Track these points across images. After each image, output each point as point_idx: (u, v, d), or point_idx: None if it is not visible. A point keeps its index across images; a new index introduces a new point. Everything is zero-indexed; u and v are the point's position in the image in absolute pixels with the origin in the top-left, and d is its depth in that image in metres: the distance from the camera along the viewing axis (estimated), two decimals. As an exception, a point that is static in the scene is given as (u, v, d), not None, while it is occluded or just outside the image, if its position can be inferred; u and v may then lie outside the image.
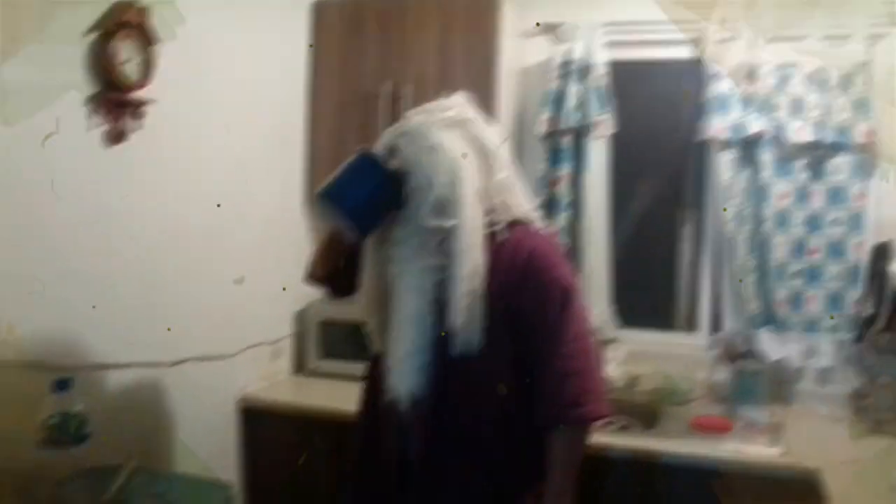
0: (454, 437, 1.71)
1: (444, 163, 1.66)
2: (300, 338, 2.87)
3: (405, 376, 1.69)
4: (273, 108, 2.67)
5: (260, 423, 2.57)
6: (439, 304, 1.67)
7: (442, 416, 1.71)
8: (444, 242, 1.66)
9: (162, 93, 2.09)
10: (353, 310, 2.77)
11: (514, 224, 1.73)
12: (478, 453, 1.71)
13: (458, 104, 1.76)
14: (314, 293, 2.96)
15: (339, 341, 2.80)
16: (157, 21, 2.05)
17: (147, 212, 2.12)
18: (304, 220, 2.90)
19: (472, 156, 1.69)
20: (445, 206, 1.65)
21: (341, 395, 2.60)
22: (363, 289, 1.80)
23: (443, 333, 1.66)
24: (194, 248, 2.31)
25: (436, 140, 1.67)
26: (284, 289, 2.74)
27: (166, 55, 2.09)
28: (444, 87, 2.61)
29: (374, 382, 1.82)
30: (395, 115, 2.67)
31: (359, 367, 2.71)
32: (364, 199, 1.68)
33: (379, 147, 1.75)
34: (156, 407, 2.12)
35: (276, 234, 2.73)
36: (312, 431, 2.48)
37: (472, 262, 1.64)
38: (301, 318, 2.88)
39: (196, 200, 2.30)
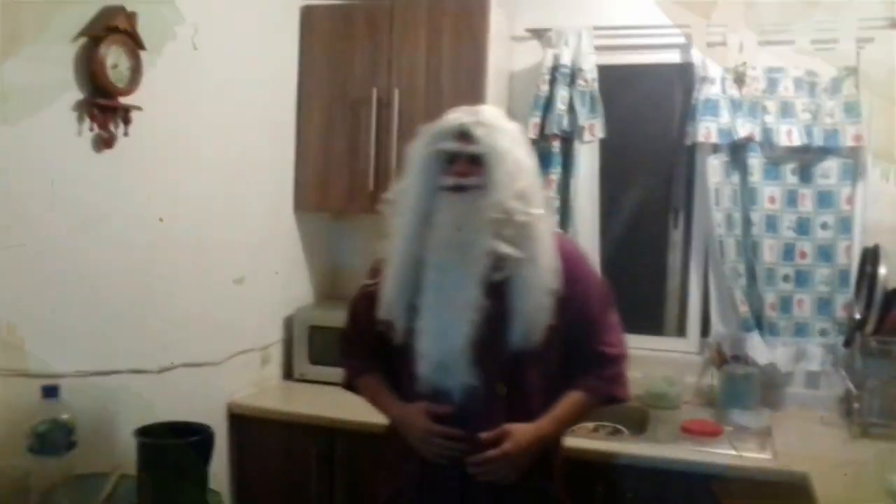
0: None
1: (530, 162, 1.74)
2: (289, 344, 2.86)
3: (457, 370, 1.68)
4: (263, 114, 2.66)
5: (249, 430, 2.55)
6: (497, 295, 1.66)
7: (493, 417, 1.69)
8: (520, 231, 1.66)
9: (151, 98, 2.08)
10: (341, 315, 2.80)
11: None
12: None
13: None
14: (303, 299, 2.97)
15: (327, 347, 2.78)
16: (147, 25, 2.04)
17: (136, 217, 2.11)
18: (294, 225, 2.89)
19: None
20: (529, 197, 1.68)
21: (330, 401, 2.59)
22: (390, 275, 1.74)
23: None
24: (183, 254, 2.30)
25: (523, 140, 1.75)
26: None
27: (155, 60, 2.08)
28: (432, 91, 2.66)
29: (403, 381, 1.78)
30: (382, 120, 2.68)
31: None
32: None
33: (445, 127, 1.71)
34: (143, 414, 2.10)
35: (266, 239, 2.72)
36: (302, 438, 2.47)
37: (550, 254, 1.70)
38: (290, 323, 2.87)
39: (185, 206, 2.29)
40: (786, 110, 2.60)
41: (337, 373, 2.71)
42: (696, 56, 2.68)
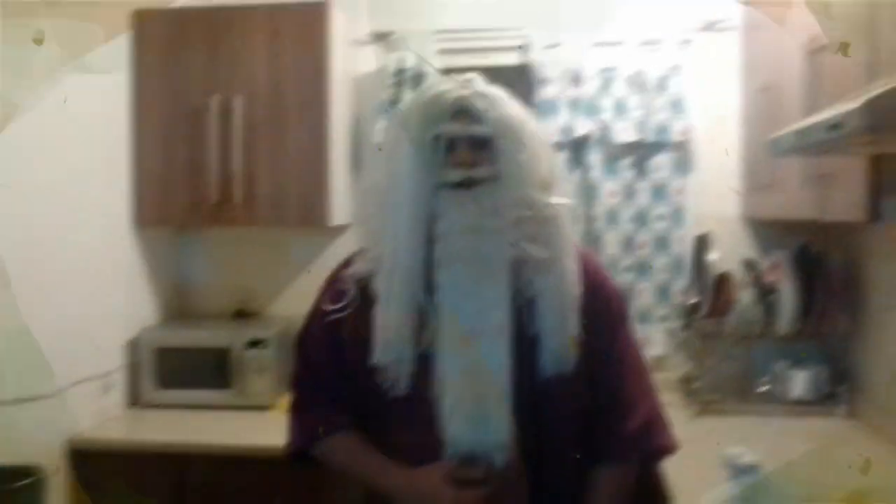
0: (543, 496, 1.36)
1: (546, 137, 1.45)
2: (133, 368, 2.68)
3: (497, 420, 1.29)
4: (93, 125, 2.47)
5: (94, 466, 2.36)
6: (519, 316, 1.33)
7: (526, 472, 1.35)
8: (543, 228, 1.35)
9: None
10: (189, 334, 2.68)
11: None
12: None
13: None
14: (148, 319, 2.80)
15: (176, 369, 2.64)
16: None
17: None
18: (133, 241, 2.72)
19: None
20: (551, 184, 1.37)
21: (182, 427, 2.47)
22: (387, 303, 1.32)
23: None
24: (8, 277, 2.09)
25: (534, 122, 1.42)
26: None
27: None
28: (275, 97, 2.59)
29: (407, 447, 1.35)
30: (224, 128, 2.58)
31: (200, 395, 2.62)
32: None
33: (439, 104, 1.35)
34: (-32, 459, 1.91)
35: (101, 257, 2.53)
36: (152, 468, 2.33)
37: (574, 255, 1.38)
38: (134, 346, 2.69)
39: (7, 226, 2.09)
40: (620, 108, 2.74)
41: (188, 395, 2.63)
42: (534, 58, 2.77)
